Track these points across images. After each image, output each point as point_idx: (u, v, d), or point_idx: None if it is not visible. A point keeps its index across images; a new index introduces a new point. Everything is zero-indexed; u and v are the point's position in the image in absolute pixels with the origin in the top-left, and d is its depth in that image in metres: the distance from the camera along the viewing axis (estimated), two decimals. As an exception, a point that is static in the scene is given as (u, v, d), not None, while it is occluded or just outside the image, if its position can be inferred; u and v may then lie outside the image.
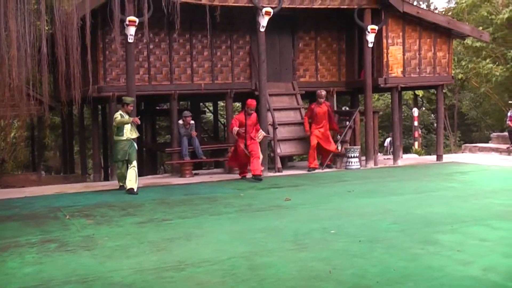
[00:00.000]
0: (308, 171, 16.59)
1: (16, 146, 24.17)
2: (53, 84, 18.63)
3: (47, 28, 13.63)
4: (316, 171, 16.66)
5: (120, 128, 13.18)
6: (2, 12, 10.83)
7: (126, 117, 13.27)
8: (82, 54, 14.30)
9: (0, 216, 10.70)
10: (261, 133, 15.31)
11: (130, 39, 14.81)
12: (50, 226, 9.38)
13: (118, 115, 13.24)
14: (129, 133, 13.32)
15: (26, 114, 15.85)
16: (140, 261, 6.81)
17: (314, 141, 16.79)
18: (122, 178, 13.52)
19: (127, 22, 14.56)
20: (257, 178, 14.52)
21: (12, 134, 24.17)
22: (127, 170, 13.16)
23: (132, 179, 12.88)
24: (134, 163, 13.19)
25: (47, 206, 11.54)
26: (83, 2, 13.95)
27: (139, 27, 15.01)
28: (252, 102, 15.09)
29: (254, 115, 15.18)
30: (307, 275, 6.02)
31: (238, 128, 14.80)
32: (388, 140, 25.87)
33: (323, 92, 17.20)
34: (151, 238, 8.07)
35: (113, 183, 14.93)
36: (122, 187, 13.52)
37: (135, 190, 12.78)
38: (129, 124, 13.26)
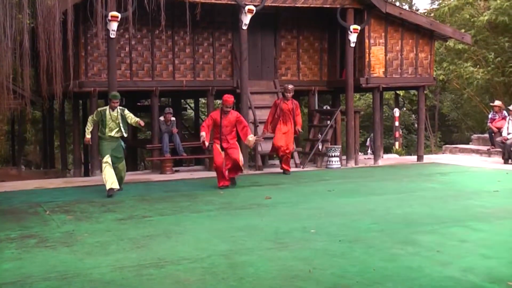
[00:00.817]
0: (284, 173, 15.68)
1: (-5, 140, 23.98)
2: (34, 78, 18.50)
3: (29, 21, 13.54)
4: (297, 169, 16.68)
5: (102, 125, 12.30)
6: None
7: (113, 114, 12.28)
8: (63, 48, 14.23)
9: (-21, 210, 10.65)
10: (252, 137, 13.36)
11: (112, 35, 14.75)
12: (29, 222, 9.35)
13: (93, 115, 12.64)
14: (113, 131, 12.33)
15: (7, 108, 15.73)
16: (119, 258, 6.80)
17: (280, 142, 15.60)
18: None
19: (109, 18, 14.49)
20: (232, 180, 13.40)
21: (-8, 128, 23.96)
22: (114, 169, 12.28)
23: (111, 180, 12.02)
24: (121, 164, 12.57)
25: (27, 201, 11.50)
26: (65, -4, 13.87)
27: (121, 23, 14.97)
28: (228, 98, 13.19)
29: (233, 113, 13.29)
30: (287, 275, 6.04)
31: (203, 135, 12.87)
32: (371, 136, 25.91)
33: (290, 86, 15.98)
34: (131, 235, 8.06)
35: (94, 179, 14.89)
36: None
37: (116, 187, 12.06)
38: (111, 122, 12.23)
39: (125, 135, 12.70)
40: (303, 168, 17.04)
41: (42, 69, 13.95)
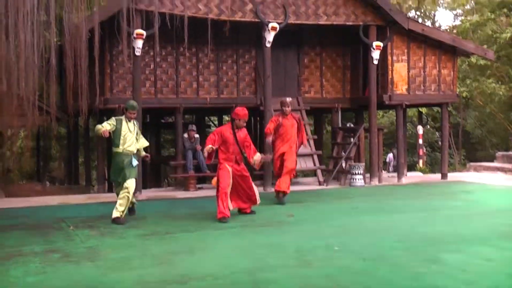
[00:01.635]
0: (278, 197, 13.31)
1: (21, 156, 24.21)
2: (60, 95, 18.70)
3: (56, 39, 13.72)
4: (320, 187, 16.65)
5: (116, 136, 10.80)
6: (13, 23, 10.90)
7: (124, 125, 10.87)
8: (89, 65, 14.39)
9: (4, 225, 10.73)
10: (259, 156, 11.46)
11: (137, 52, 14.90)
12: (54, 236, 9.41)
13: (104, 123, 10.91)
14: (127, 144, 10.83)
15: (33, 124, 15.90)
16: (143, 273, 6.82)
17: (279, 163, 13.60)
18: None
19: (134, 35, 14.65)
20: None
21: (18, 144, 24.23)
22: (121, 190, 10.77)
23: (121, 205, 10.58)
24: (129, 183, 10.59)
25: (51, 217, 11.56)
26: (91, 15, 14.05)
27: (147, 40, 15.12)
28: (242, 112, 11.20)
29: (243, 130, 11.36)
30: (310, 292, 6.02)
31: (211, 146, 10.88)
32: (390, 155, 25.83)
33: (288, 99, 13.99)
34: (155, 251, 8.08)
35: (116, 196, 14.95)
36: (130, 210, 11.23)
37: (122, 218, 10.54)
38: (128, 133, 10.80)
39: (136, 149, 11.04)
40: (326, 185, 17.01)
41: (68, 85, 14.11)
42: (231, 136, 11.02)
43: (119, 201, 10.58)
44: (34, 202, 14.24)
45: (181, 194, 15.72)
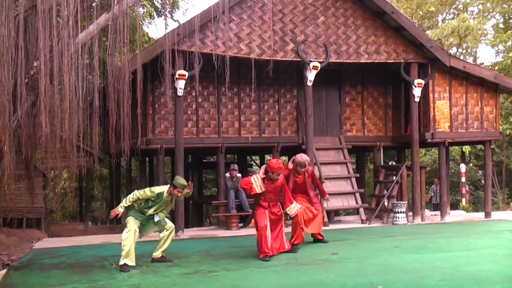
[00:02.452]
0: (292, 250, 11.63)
1: (64, 197, 24.48)
2: (102, 136, 18.95)
3: (99, 81, 13.93)
4: (363, 225, 16.53)
5: (149, 205, 10.42)
6: (57, 67, 11.12)
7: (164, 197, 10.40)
8: (132, 107, 14.56)
9: (47, 264, 10.87)
10: (296, 206, 11.60)
11: (180, 93, 15.08)
12: (96, 275, 9.48)
13: (142, 193, 10.37)
14: (152, 211, 10.48)
15: (75, 166, 16.10)
16: (187, 312, 6.82)
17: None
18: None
19: (176, 76, 14.85)
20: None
21: (61, 185, 24.50)
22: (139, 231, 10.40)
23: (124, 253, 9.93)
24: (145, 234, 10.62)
25: (93, 255, 11.68)
26: (134, 57, 14.25)
27: (189, 81, 15.29)
28: (276, 165, 10.98)
29: (281, 177, 11.28)
30: (355, 330, 5.95)
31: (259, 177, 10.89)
32: (433, 187, 25.40)
33: (304, 158, 12.54)
34: (198, 289, 8.08)
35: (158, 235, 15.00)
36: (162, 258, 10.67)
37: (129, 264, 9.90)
38: (162, 206, 10.48)
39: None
40: (369, 224, 16.86)
41: (111, 127, 14.27)
42: (266, 186, 10.97)
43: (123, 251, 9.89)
44: (76, 241, 14.39)
45: (223, 233, 15.73)
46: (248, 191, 11.08)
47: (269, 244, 10.76)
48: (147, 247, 12.13)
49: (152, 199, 10.35)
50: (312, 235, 12.73)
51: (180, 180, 10.43)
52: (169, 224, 10.62)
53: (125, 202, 10.36)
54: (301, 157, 12.47)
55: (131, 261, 9.88)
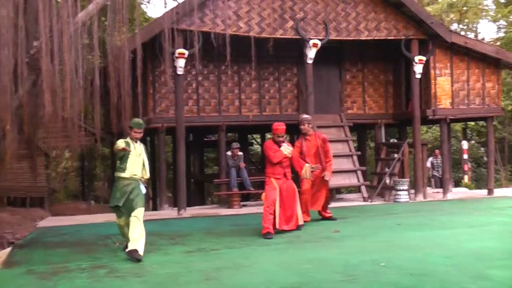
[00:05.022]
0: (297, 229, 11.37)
1: (66, 176, 24.56)
2: (104, 116, 18.95)
3: (99, 61, 13.90)
4: (365, 203, 16.56)
5: (124, 160, 9.35)
6: (57, 46, 11.09)
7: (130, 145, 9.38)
8: (132, 86, 14.54)
9: (51, 242, 10.94)
10: (309, 167, 11.66)
11: (180, 71, 15.05)
12: (99, 253, 9.52)
13: (121, 141, 9.29)
14: (134, 168, 9.38)
15: (77, 145, 16.13)
16: (190, 289, 6.84)
17: (306, 185, 12.26)
18: (123, 232, 9.57)
19: (176, 55, 14.80)
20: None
21: (63, 164, 24.58)
22: (129, 222, 9.18)
23: (136, 237, 8.92)
24: (138, 212, 9.10)
25: (96, 234, 11.73)
26: (134, 36, 14.21)
27: (188, 59, 15.24)
28: (279, 126, 11.10)
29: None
30: (358, 306, 5.96)
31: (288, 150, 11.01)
32: (430, 159, 25.33)
33: (304, 116, 12.87)
34: (200, 267, 8.09)
35: (161, 213, 15.11)
36: (125, 247, 9.22)
37: (140, 252, 8.80)
38: (135, 157, 9.37)
39: (147, 176, 9.70)
40: (371, 202, 16.88)
41: (112, 106, 14.26)
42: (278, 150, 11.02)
43: (131, 232, 8.98)
44: (79, 220, 14.45)
45: (225, 211, 15.76)
46: (275, 158, 10.93)
47: (277, 222, 10.76)
48: (148, 226, 12.18)
49: (124, 145, 9.14)
50: (319, 212, 12.82)
51: (134, 119, 9.78)
52: (135, 213, 9.08)
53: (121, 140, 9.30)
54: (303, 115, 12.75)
55: (138, 246, 8.79)
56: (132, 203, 9.08)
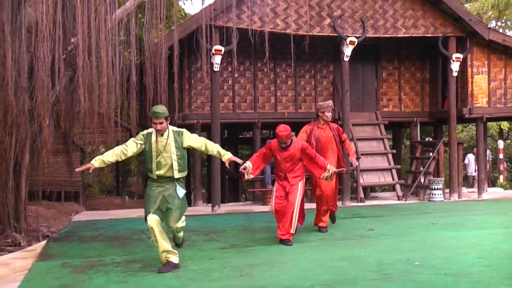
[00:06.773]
0: (320, 231, 10.95)
1: (101, 171, 24.77)
2: (139, 112, 19.10)
3: (136, 58, 14.02)
4: (399, 202, 16.48)
5: (147, 159, 7.93)
6: (95, 42, 11.21)
7: (153, 139, 7.82)
8: (168, 82, 14.63)
9: (86, 236, 11.07)
10: (332, 169, 9.87)
11: (216, 68, 15.09)
12: (134, 247, 9.62)
13: (129, 142, 8.02)
14: (160, 168, 7.85)
15: (113, 141, 16.28)
16: (223, 285, 6.87)
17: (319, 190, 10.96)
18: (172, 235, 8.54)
19: (213, 51, 14.86)
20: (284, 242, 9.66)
21: (98, 160, 24.79)
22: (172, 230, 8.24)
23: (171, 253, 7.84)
24: (177, 219, 7.94)
25: (130, 228, 11.84)
26: (171, 33, 14.29)
27: (225, 56, 15.29)
28: (281, 133, 9.67)
29: (297, 143, 9.91)
30: (391, 305, 5.94)
31: (248, 164, 9.74)
32: (469, 156, 24.98)
33: (325, 103, 11.38)
34: (234, 263, 8.13)
35: (196, 209, 15.21)
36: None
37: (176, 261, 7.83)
38: (159, 153, 7.79)
39: (179, 175, 7.95)
40: (405, 200, 16.79)
41: (148, 102, 14.36)
42: (277, 153, 9.96)
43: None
44: (113, 215, 14.61)
45: (259, 208, 15.79)
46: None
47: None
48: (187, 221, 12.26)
49: (141, 143, 7.93)
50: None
51: (152, 108, 7.88)
52: (173, 226, 8.02)
53: (104, 155, 8.04)
54: (322, 102, 11.57)
55: (173, 258, 7.81)
56: (168, 218, 7.85)
